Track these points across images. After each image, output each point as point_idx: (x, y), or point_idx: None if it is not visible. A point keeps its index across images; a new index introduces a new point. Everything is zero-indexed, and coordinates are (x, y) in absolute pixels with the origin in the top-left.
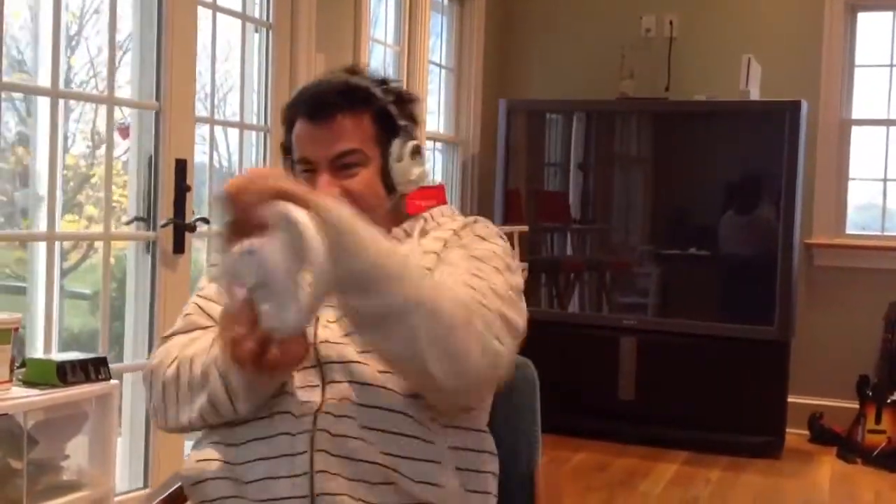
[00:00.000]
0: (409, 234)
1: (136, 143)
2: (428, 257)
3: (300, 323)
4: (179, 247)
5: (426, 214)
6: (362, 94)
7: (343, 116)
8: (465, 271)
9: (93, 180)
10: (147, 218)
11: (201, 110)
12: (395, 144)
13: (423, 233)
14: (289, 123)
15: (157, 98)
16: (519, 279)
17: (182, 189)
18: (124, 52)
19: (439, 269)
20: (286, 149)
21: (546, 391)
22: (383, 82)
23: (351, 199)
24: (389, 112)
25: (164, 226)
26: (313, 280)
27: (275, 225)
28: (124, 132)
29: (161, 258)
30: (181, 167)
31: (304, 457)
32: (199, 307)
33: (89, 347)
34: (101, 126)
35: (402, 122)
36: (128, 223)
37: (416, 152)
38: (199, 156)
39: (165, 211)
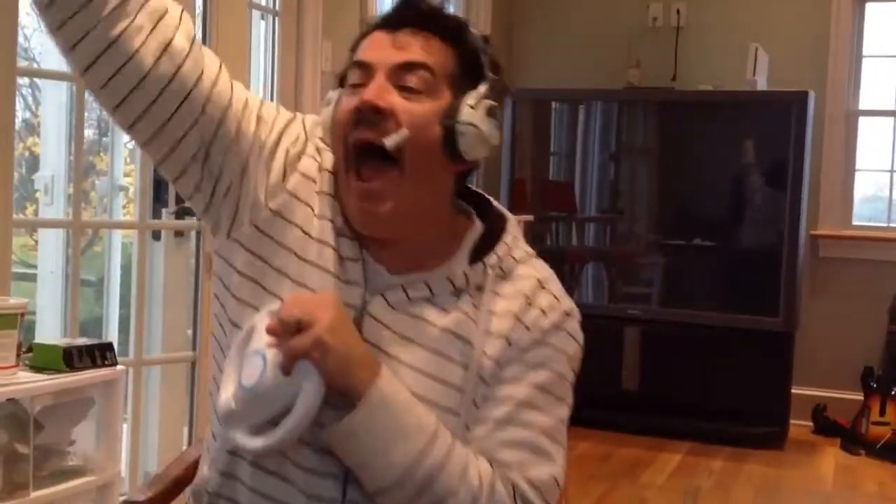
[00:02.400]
0: (479, 289)
1: None
2: (492, 343)
3: (247, 449)
4: None
5: (494, 258)
6: (458, 25)
7: (427, 36)
8: (511, 420)
9: (99, 167)
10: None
11: None
12: (477, 91)
13: (499, 278)
14: (355, 45)
15: None
16: (569, 405)
17: None
18: None
19: (484, 412)
20: (342, 78)
21: None
22: (485, 38)
23: (395, 125)
24: (480, 58)
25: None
26: (278, 437)
27: (296, 369)
28: None
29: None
30: None
31: None
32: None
33: (94, 334)
34: None
35: (490, 75)
36: (174, 213)
37: (493, 113)
38: None
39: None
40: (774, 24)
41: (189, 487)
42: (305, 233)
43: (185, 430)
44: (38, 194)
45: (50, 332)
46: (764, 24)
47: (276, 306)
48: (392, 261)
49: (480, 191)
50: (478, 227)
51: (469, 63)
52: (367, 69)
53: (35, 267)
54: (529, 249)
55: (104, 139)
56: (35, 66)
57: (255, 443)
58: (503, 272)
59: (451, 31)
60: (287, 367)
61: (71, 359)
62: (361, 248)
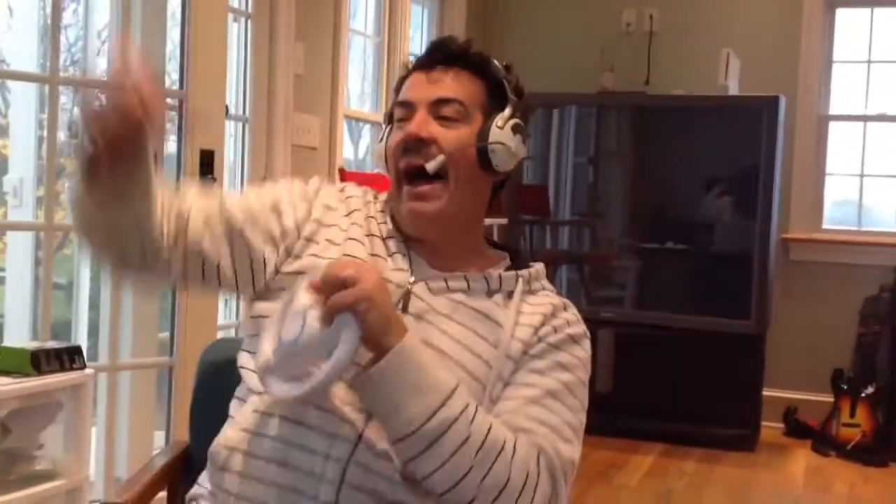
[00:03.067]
0: (509, 296)
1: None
2: (521, 329)
3: (286, 398)
4: None
5: (525, 272)
6: (482, 60)
7: (457, 72)
8: (539, 401)
9: (69, 169)
10: None
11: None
12: (504, 114)
13: (526, 293)
14: (399, 86)
15: (182, 86)
16: (587, 386)
17: (208, 182)
18: (103, 42)
19: (513, 392)
20: (389, 116)
21: None
22: (507, 67)
23: (437, 150)
24: (504, 86)
25: None
26: (316, 381)
27: (336, 321)
28: None
29: None
30: (207, 159)
31: (331, 487)
32: (297, 194)
33: (63, 337)
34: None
35: (513, 98)
36: None
37: (518, 130)
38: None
39: None
40: (746, 29)
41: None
42: (343, 229)
43: (156, 435)
44: (6, 197)
45: (17, 335)
46: (736, 29)
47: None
48: (434, 259)
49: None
50: (507, 259)
51: (494, 90)
52: (409, 107)
53: (3, 270)
54: (553, 288)
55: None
56: (4, 67)
57: (293, 390)
58: (531, 289)
59: (476, 65)
60: (328, 319)
61: (39, 362)
62: (407, 247)
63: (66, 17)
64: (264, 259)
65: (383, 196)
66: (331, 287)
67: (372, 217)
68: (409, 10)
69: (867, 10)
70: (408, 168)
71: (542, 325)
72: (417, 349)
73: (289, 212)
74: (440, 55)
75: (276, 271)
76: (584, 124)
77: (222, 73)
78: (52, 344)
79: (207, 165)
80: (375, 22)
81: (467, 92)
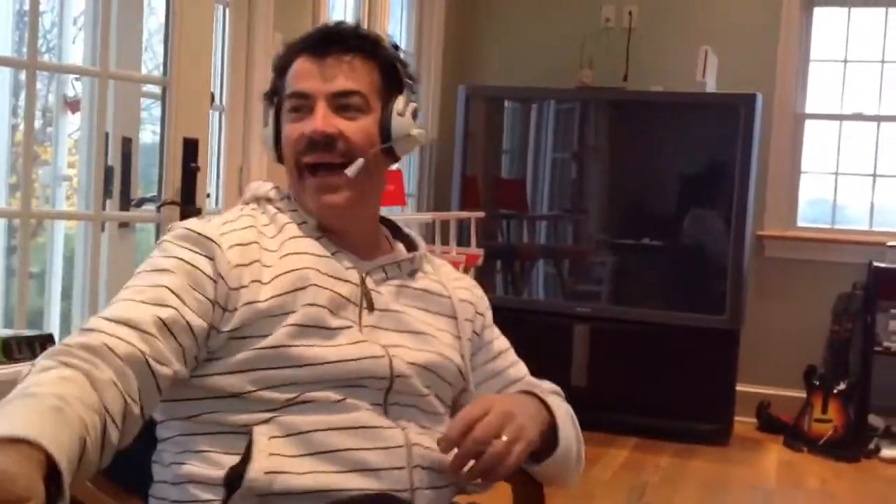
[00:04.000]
0: (413, 274)
1: (89, 119)
2: (466, 307)
3: None
4: None
5: (422, 249)
6: (373, 41)
7: (352, 57)
8: (516, 361)
9: (43, 157)
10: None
11: (153, 87)
12: (400, 99)
13: (428, 263)
14: (282, 67)
15: (165, 73)
16: None
17: (190, 170)
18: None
19: (515, 363)
20: (271, 95)
21: None
22: (395, 47)
23: (344, 144)
24: (397, 67)
25: (136, 205)
26: None
27: None
28: (74, 106)
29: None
30: (191, 147)
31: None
32: (189, 269)
33: (36, 326)
34: (52, 101)
35: (407, 80)
36: (137, 205)
37: (416, 115)
38: (150, 135)
39: (171, 193)
40: (724, 27)
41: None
42: (271, 250)
43: None
44: None
45: None
46: (714, 26)
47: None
48: (356, 250)
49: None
50: (390, 232)
51: (389, 73)
52: (305, 98)
53: None
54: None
55: (48, 129)
56: None
57: None
58: (427, 260)
59: (369, 48)
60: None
61: (10, 350)
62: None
63: (42, 4)
64: (202, 337)
65: (274, 194)
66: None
67: (287, 223)
68: (389, 2)
69: (845, 10)
70: (318, 165)
71: (466, 288)
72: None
73: (190, 310)
74: (331, 40)
75: (217, 332)
76: (562, 120)
77: (207, 60)
78: (24, 332)
79: (191, 154)
80: (355, 13)
81: (365, 81)
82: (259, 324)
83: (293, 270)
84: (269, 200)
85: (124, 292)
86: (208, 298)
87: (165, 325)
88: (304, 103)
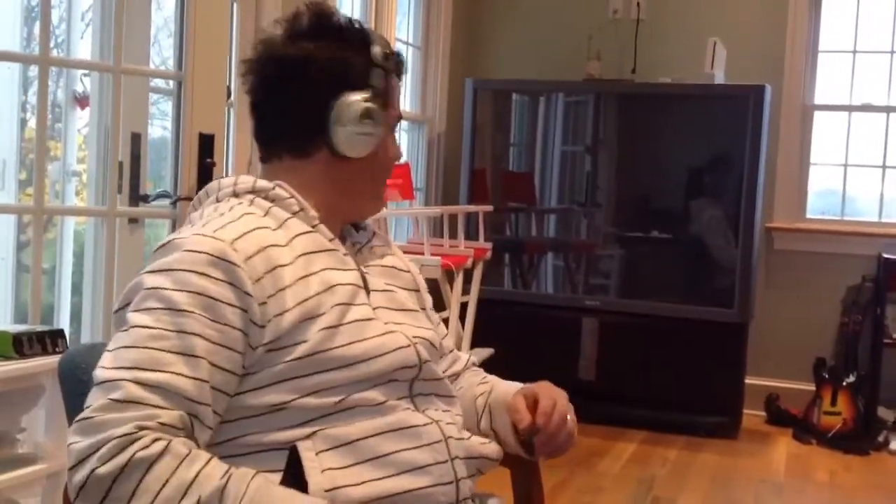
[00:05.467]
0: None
1: (98, 114)
2: (420, 279)
3: None
4: None
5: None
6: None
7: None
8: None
9: (52, 152)
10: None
11: (160, 83)
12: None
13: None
14: (382, 73)
15: (180, 67)
16: None
17: (206, 166)
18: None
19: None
20: (384, 96)
21: (508, 370)
22: None
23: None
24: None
25: (152, 200)
26: None
27: None
28: (83, 102)
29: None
30: (207, 143)
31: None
32: (210, 303)
33: (47, 322)
34: (61, 96)
35: None
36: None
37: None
38: (158, 130)
39: (186, 189)
40: (733, 18)
41: None
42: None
43: None
44: None
45: None
46: (722, 18)
47: None
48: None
49: None
50: None
51: None
52: (398, 121)
53: None
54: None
55: (57, 125)
56: None
57: None
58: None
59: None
60: None
61: (21, 345)
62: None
63: None
64: (239, 374)
65: (267, 185)
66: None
67: (287, 218)
68: None
69: (853, 0)
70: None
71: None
72: None
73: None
74: (402, 66)
75: (253, 350)
76: (570, 112)
77: (223, 53)
78: (34, 327)
79: (207, 150)
80: (362, 7)
81: None
82: (292, 332)
83: (315, 273)
84: (260, 193)
85: (152, 344)
86: (236, 328)
87: (202, 403)
88: (394, 126)
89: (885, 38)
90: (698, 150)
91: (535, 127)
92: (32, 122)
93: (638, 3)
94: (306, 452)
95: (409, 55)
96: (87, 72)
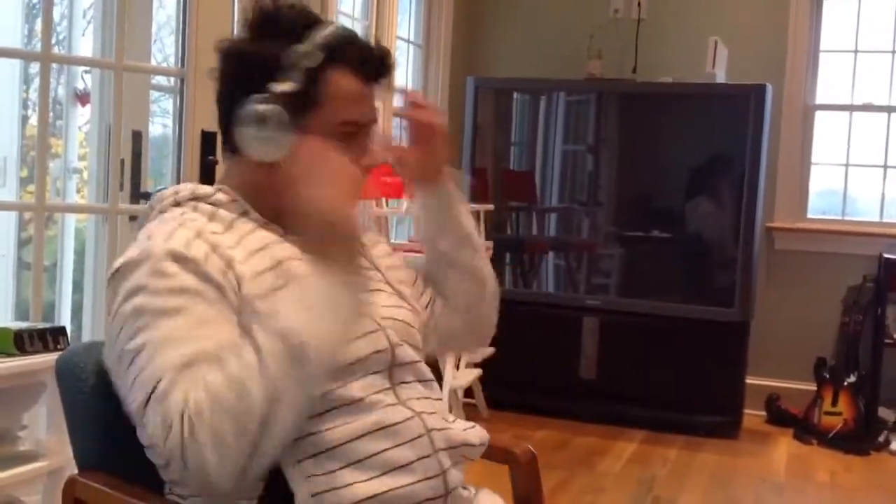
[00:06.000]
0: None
1: (99, 112)
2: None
3: None
4: None
5: None
6: (393, 66)
7: (382, 84)
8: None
9: (52, 150)
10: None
11: (161, 80)
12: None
13: None
14: (314, 69)
15: (182, 64)
16: None
17: (208, 163)
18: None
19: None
20: (304, 97)
21: (508, 369)
22: None
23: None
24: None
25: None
26: None
27: None
28: (84, 99)
29: None
30: (209, 139)
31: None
32: (211, 282)
33: (48, 319)
34: (62, 93)
35: None
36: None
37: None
38: (158, 128)
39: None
40: (734, 17)
41: None
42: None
43: None
44: None
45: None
46: (723, 17)
47: None
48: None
49: None
50: None
51: None
52: (354, 126)
53: None
54: None
55: (58, 122)
56: None
57: None
58: None
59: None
60: None
61: (22, 342)
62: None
63: None
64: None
65: (209, 191)
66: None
67: (234, 218)
68: None
69: (854, 0)
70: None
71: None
72: None
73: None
74: (378, 66)
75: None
76: (571, 111)
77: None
78: (36, 324)
79: (209, 147)
80: (363, 4)
81: None
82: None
83: (271, 268)
84: (202, 199)
85: (165, 349)
86: (224, 299)
87: None
88: (352, 130)
89: (886, 38)
90: (699, 150)
91: (535, 126)
92: (33, 119)
93: (639, 3)
94: (288, 460)
95: (410, 53)
96: (88, 69)
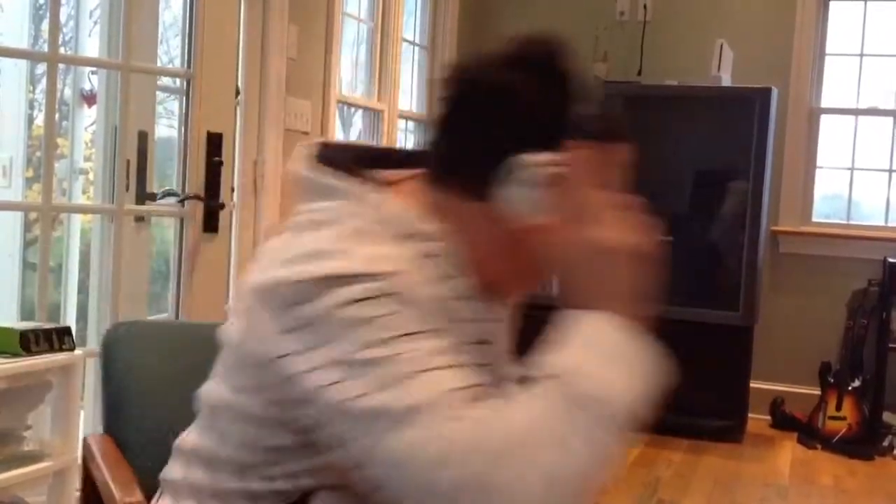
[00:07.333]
0: None
1: (105, 112)
2: None
3: None
4: (211, 225)
5: None
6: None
7: None
8: None
9: (58, 150)
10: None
11: (167, 81)
12: None
13: None
14: (598, 134)
15: (189, 66)
16: None
17: (214, 164)
18: (95, 22)
19: None
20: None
21: None
22: None
23: None
24: None
25: (160, 198)
26: None
27: None
28: (90, 100)
29: (190, 237)
30: (215, 141)
31: None
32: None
33: (53, 319)
34: (68, 94)
35: None
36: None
37: None
38: (164, 129)
39: (194, 187)
40: (740, 20)
41: None
42: None
43: None
44: None
45: (5, 315)
46: (729, 20)
47: None
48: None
49: None
50: None
51: None
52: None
53: None
54: None
55: (64, 122)
56: None
57: None
58: None
59: None
60: None
61: (28, 342)
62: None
63: None
64: None
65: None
66: None
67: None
68: None
69: (861, 4)
70: None
71: None
72: None
73: None
74: None
75: None
76: None
77: (231, 51)
78: (41, 324)
79: (215, 148)
80: (369, 6)
81: None
82: None
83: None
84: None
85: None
86: None
87: None
88: None
89: (892, 42)
90: (704, 153)
91: None
92: (39, 120)
93: (645, 5)
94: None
95: (415, 55)
96: (94, 69)
